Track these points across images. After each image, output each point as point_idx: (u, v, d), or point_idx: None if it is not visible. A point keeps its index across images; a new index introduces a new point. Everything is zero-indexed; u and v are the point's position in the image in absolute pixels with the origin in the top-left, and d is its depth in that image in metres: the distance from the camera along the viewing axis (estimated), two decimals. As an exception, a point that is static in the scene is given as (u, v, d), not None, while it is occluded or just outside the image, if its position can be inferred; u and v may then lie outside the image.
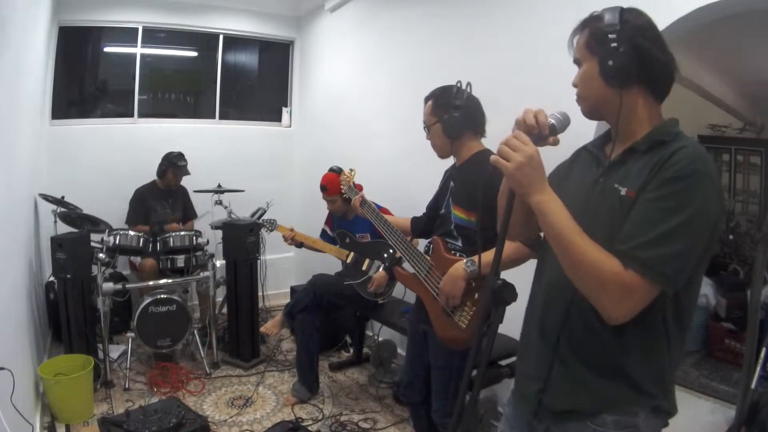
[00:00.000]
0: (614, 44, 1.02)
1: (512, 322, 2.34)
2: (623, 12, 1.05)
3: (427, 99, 2.01)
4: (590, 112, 1.12)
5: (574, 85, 1.12)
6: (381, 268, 3.11)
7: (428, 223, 2.16)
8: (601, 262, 0.96)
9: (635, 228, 0.97)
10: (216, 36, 4.77)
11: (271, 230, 3.51)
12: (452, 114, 1.89)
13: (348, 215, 3.33)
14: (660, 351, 1.04)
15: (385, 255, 3.12)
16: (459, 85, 1.91)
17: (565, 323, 1.09)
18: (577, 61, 1.11)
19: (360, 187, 2.38)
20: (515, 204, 1.05)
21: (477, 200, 1.87)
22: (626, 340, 1.03)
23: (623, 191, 1.02)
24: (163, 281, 3.47)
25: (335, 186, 3.17)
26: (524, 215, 1.14)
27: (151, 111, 4.63)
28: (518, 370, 1.27)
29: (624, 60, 1.01)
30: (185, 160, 4.00)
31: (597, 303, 0.99)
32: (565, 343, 1.09)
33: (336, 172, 3.16)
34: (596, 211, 1.06)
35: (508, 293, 1.01)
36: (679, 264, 0.95)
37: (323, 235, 3.49)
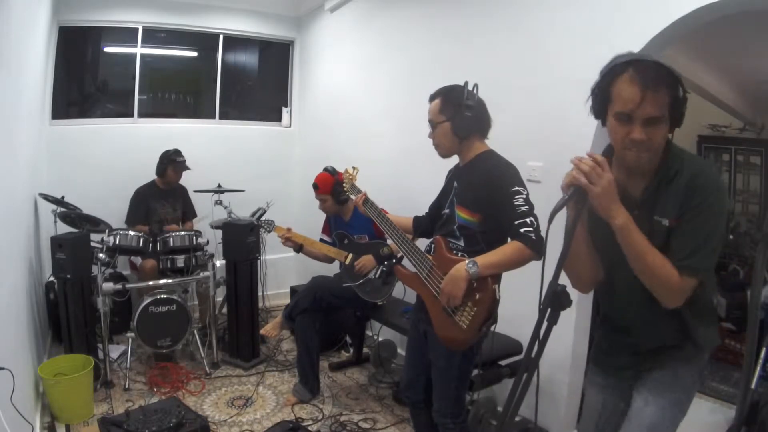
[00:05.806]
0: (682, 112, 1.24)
1: (512, 322, 2.34)
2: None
3: (433, 97, 1.97)
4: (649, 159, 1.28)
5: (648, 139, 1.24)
6: (380, 270, 3.10)
7: (430, 223, 2.16)
8: (668, 274, 1.24)
9: (684, 244, 1.24)
10: (216, 36, 4.77)
11: (269, 231, 3.51)
12: (465, 114, 1.86)
13: (344, 217, 3.31)
14: (712, 315, 1.43)
15: (380, 251, 3.09)
16: (467, 85, 1.89)
17: (642, 319, 1.40)
18: (658, 119, 1.22)
19: None
20: (589, 256, 1.36)
21: (481, 201, 1.86)
22: (687, 316, 1.34)
23: (666, 222, 1.27)
24: (163, 281, 3.47)
25: (327, 185, 3.17)
26: (594, 267, 1.40)
27: (151, 111, 4.63)
28: (603, 357, 1.55)
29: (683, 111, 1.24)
30: (183, 156, 4.01)
31: (660, 297, 1.28)
32: (645, 329, 1.41)
33: (330, 172, 3.16)
34: None
35: (565, 299, 1.16)
36: (713, 256, 1.26)
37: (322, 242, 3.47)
